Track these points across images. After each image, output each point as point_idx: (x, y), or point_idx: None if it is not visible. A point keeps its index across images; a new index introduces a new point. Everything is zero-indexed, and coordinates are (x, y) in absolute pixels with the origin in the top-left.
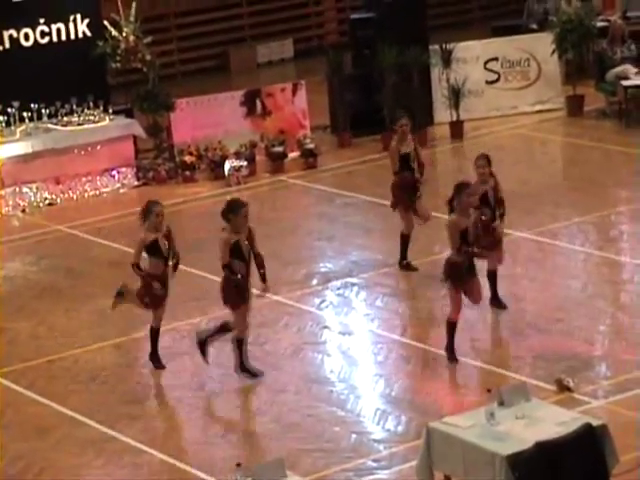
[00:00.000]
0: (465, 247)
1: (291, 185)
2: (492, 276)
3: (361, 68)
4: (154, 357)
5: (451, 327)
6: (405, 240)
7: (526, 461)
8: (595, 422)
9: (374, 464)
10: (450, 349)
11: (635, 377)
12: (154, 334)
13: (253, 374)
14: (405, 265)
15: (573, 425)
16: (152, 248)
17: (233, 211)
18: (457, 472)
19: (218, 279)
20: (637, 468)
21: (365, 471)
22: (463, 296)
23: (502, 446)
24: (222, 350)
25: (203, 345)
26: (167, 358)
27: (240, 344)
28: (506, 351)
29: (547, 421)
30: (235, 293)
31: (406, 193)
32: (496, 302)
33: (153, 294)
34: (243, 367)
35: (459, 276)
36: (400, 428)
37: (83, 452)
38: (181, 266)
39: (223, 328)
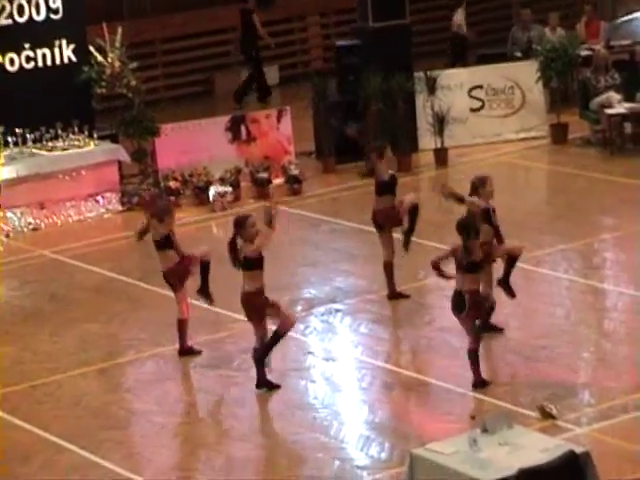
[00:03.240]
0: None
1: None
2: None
3: (346, 95)
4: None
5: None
6: (389, 270)
7: None
8: (578, 449)
9: None
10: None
11: (619, 404)
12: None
13: (271, 386)
14: (397, 294)
15: (556, 452)
16: (165, 242)
17: (240, 226)
18: None
19: (201, 304)
20: None
21: None
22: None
23: (485, 473)
24: (206, 376)
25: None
26: (151, 384)
27: (278, 337)
28: (489, 378)
29: (530, 448)
30: (252, 308)
31: (389, 217)
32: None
33: (174, 285)
34: (261, 382)
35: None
36: (383, 455)
37: (66, 478)
38: (164, 291)
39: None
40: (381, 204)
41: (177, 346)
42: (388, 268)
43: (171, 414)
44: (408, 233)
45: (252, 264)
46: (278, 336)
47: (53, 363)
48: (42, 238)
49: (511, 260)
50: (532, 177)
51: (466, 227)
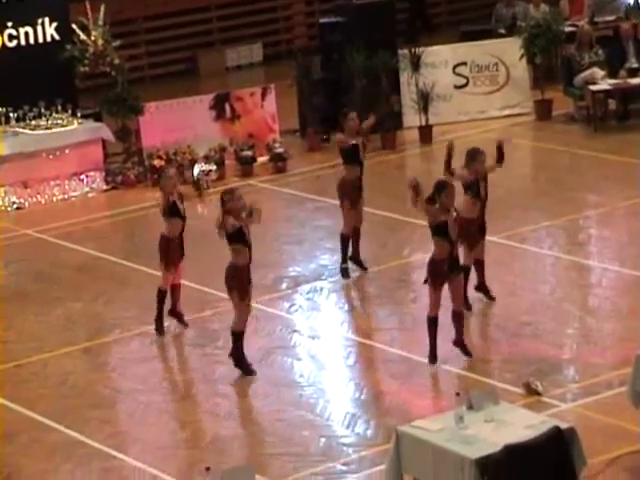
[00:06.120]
0: (446, 243)
1: (260, 189)
2: (478, 265)
3: (330, 72)
4: (158, 322)
5: (431, 323)
6: (345, 242)
7: (495, 464)
8: (563, 425)
9: (343, 468)
10: (431, 349)
11: (603, 380)
12: (160, 296)
13: (247, 371)
14: (343, 270)
15: (541, 428)
16: (171, 210)
17: (225, 198)
18: (426, 476)
19: (187, 283)
20: (604, 471)
21: (334, 475)
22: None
23: (471, 449)
24: (191, 354)
25: (241, 364)
26: (136, 363)
27: (235, 337)
28: (475, 355)
29: (516, 424)
30: (234, 280)
31: (353, 188)
32: (483, 290)
33: (167, 254)
34: (238, 362)
35: (440, 274)
36: (369, 432)
37: (51, 457)
38: (149, 270)
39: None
40: (346, 173)
41: (164, 324)
42: (344, 240)
43: (156, 393)
44: None
45: (228, 238)
46: (233, 337)
47: (38, 342)
48: (26, 217)
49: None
50: (516, 154)
51: (435, 187)
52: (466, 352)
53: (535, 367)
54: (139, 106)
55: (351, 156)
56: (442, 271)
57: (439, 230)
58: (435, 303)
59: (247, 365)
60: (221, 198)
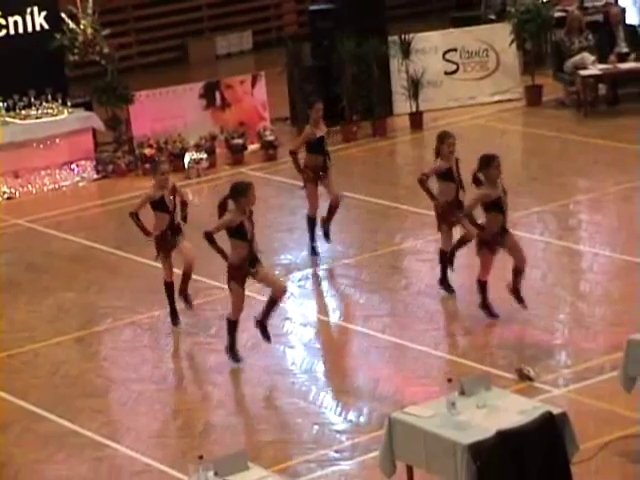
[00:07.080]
0: (499, 216)
1: (251, 177)
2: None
3: (320, 59)
4: (172, 314)
5: (482, 286)
6: (312, 223)
7: (487, 450)
8: (555, 410)
9: (336, 455)
10: (484, 305)
11: (595, 365)
12: (167, 288)
13: (236, 359)
14: (312, 249)
15: (534, 414)
16: (158, 204)
17: (242, 193)
18: (419, 462)
19: (178, 271)
20: (596, 456)
21: (327, 462)
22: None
23: (463, 435)
24: (183, 342)
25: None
26: (128, 351)
27: (230, 326)
28: (467, 340)
29: (508, 410)
30: (230, 274)
31: (314, 172)
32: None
33: (162, 247)
34: (229, 349)
35: (495, 243)
36: (362, 419)
37: (44, 446)
38: (141, 259)
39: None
40: (308, 158)
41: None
42: (310, 221)
43: (149, 381)
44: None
45: (229, 233)
46: (227, 324)
47: (30, 332)
48: (17, 207)
49: (461, 243)
50: (507, 139)
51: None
52: (520, 300)
53: (527, 352)
54: (129, 95)
55: (316, 147)
56: (496, 240)
57: (494, 206)
58: (487, 268)
59: (234, 353)
60: (233, 190)
